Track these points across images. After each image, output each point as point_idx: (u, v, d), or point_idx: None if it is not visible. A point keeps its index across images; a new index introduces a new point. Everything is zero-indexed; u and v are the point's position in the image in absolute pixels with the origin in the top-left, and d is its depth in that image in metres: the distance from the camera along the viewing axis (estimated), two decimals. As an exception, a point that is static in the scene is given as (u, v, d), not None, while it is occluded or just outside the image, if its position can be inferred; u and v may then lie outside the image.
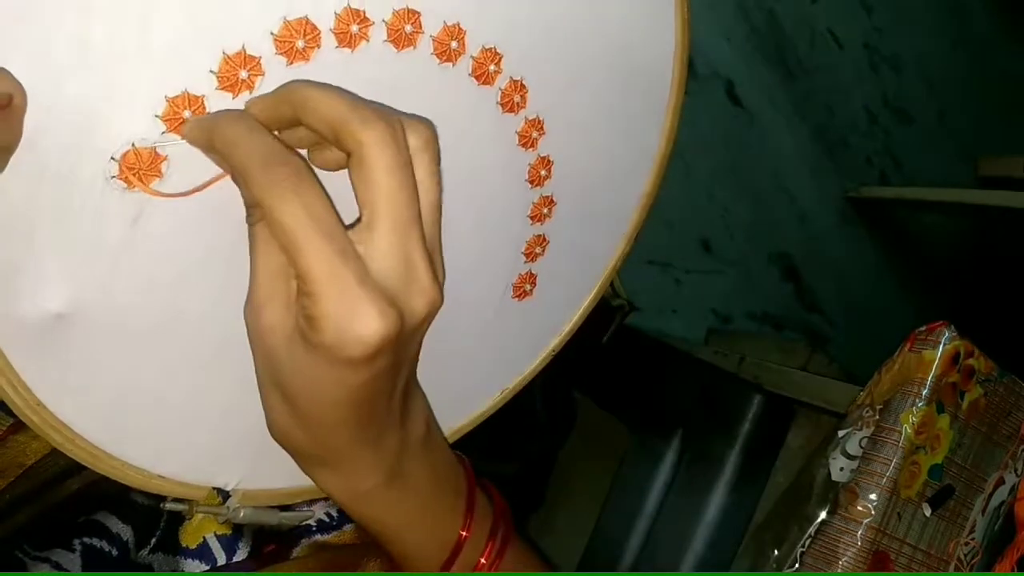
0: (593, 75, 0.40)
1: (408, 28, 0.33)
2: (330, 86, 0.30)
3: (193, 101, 0.30)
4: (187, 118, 0.30)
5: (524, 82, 0.38)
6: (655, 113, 0.44)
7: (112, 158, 0.29)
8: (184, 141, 0.30)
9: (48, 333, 0.30)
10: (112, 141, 0.29)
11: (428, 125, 0.31)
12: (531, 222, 0.42)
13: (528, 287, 0.43)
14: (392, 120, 0.29)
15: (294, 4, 0.30)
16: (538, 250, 0.43)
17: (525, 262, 0.43)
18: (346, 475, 0.35)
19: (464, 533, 0.39)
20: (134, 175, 0.29)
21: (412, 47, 0.34)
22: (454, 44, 0.35)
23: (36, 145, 0.28)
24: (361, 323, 0.28)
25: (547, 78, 0.38)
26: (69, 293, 0.30)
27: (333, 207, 0.29)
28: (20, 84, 0.26)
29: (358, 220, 0.30)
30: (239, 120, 0.29)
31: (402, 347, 0.31)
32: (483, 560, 0.39)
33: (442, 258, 0.33)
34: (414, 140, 0.31)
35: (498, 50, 0.36)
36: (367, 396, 0.31)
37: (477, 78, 0.36)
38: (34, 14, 0.26)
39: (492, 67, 0.36)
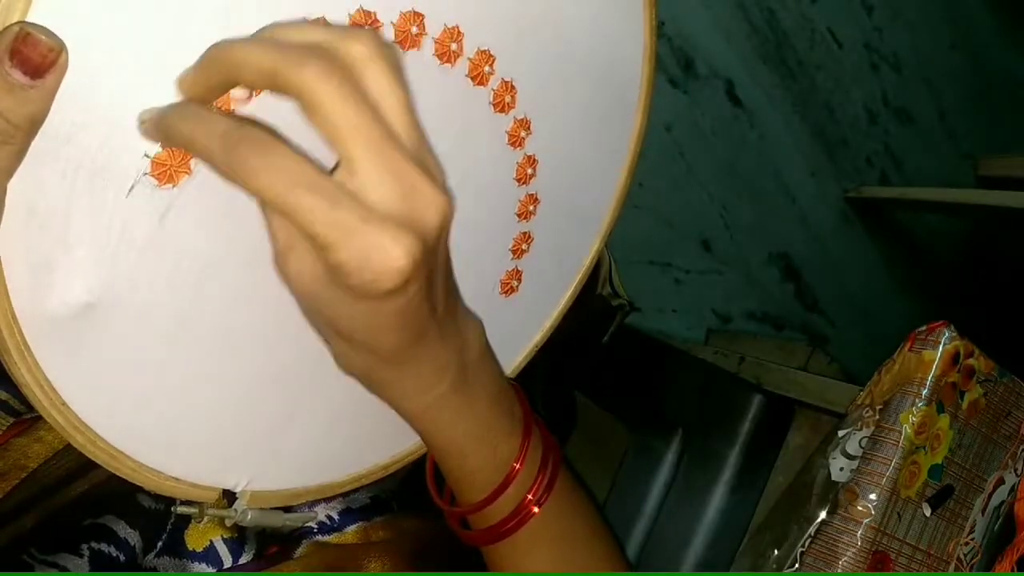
0: (573, 76, 0.41)
1: (414, 30, 0.34)
2: (252, 38, 0.30)
3: (221, 99, 0.30)
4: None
5: (514, 83, 0.38)
6: (627, 112, 0.45)
7: (146, 155, 0.29)
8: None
9: (74, 330, 0.31)
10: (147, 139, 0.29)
11: (370, 34, 0.30)
12: (518, 219, 0.42)
13: (515, 283, 0.44)
14: (323, 51, 0.28)
15: (312, 5, 0.31)
16: (524, 247, 0.44)
17: (512, 259, 0.43)
18: (412, 388, 0.36)
19: (517, 465, 0.40)
20: (166, 172, 0.30)
21: (416, 48, 0.34)
22: (453, 46, 0.35)
23: (74, 141, 0.28)
24: (381, 258, 0.28)
25: (535, 79, 0.39)
26: (97, 289, 0.30)
27: (306, 159, 0.28)
28: (65, 44, 0.26)
29: (338, 163, 0.29)
30: (182, 113, 0.29)
31: (428, 262, 0.31)
32: (530, 496, 0.40)
33: (433, 155, 0.32)
34: (359, 51, 0.29)
35: (492, 52, 0.37)
36: (411, 317, 0.32)
37: (473, 79, 0.37)
38: (75, 14, 0.27)
39: (487, 68, 0.37)
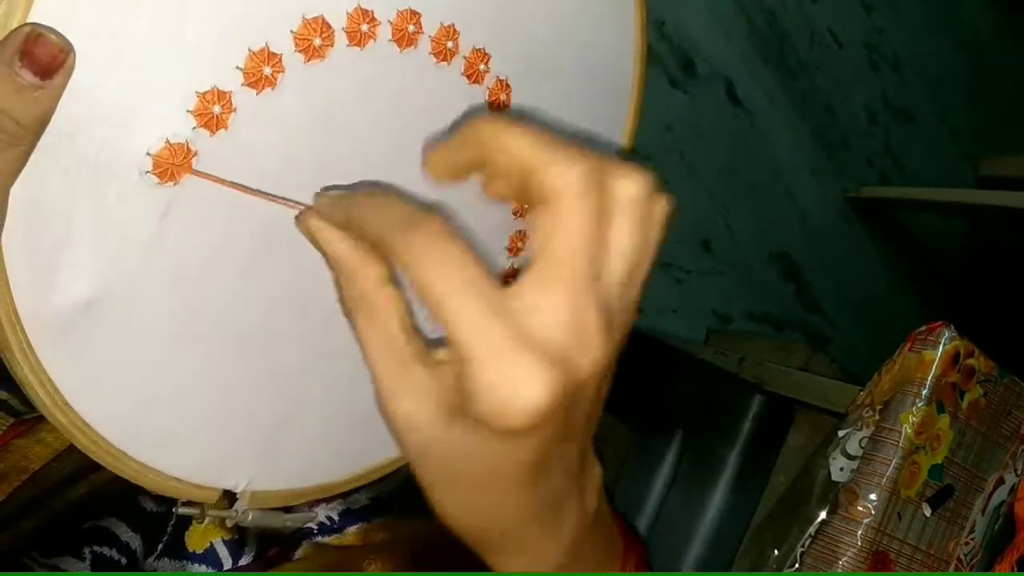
0: (567, 74, 0.41)
1: (411, 28, 0.34)
2: (521, 124, 0.28)
3: (221, 96, 0.30)
4: (216, 113, 0.30)
5: (509, 81, 0.39)
6: (620, 109, 0.46)
7: (147, 153, 0.29)
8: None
9: (76, 329, 0.31)
10: (147, 136, 0.29)
11: (644, 178, 0.27)
12: (514, 217, 0.43)
13: (511, 283, 0.44)
14: (595, 167, 0.26)
15: (311, 3, 0.31)
16: (520, 245, 0.44)
17: (509, 257, 0.44)
18: (528, 560, 0.31)
19: None
20: (167, 170, 0.30)
21: (413, 47, 0.35)
22: (450, 44, 0.36)
23: (76, 139, 0.28)
24: (520, 387, 0.25)
25: (529, 77, 0.40)
26: (99, 287, 0.30)
27: (481, 262, 0.26)
28: (73, 45, 0.26)
29: (520, 267, 0.28)
30: (372, 195, 0.28)
31: (571, 410, 0.27)
32: None
33: (626, 318, 0.29)
34: (623, 190, 0.27)
35: (487, 50, 0.37)
36: (538, 470, 0.28)
37: (468, 77, 0.37)
38: (78, 14, 0.27)
39: (482, 66, 0.37)
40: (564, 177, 0.25)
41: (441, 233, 0.26)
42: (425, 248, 0.25)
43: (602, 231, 0.26)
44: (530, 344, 0.25)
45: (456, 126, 0.36)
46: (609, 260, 0.27)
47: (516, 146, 0.26)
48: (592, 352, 0.26)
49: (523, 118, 0.28)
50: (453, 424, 0.27)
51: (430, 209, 0.27)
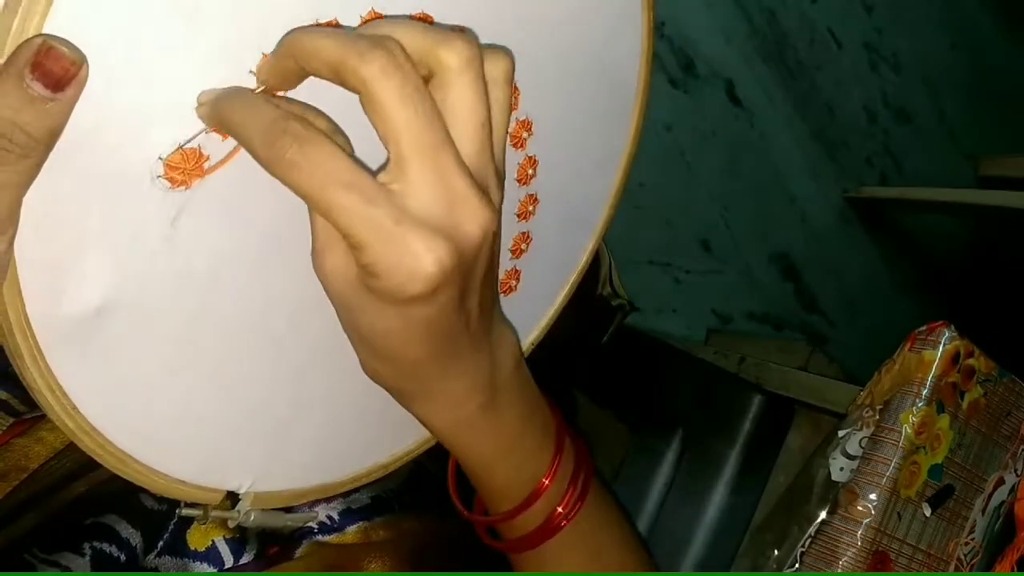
0: (573, 77, 0.41)
1: None
2: (324, 28, 0.29)
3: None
4: None
5: (518, 84, 0.38)
6: (624, 112, 0.46)
7: (159, 158, 0.29)
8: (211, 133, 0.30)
9: (85, 334, 0.30)
10: (159, 142, 0.29)
11: (468, 41, 0.29)
12: (518, 219, 0.43)
13: (514, 283, 0.44)
14: (390, 46, 0.27)
15: (325, 6, 0.31)
16: (523, 246, 0.44)
17: (512, 258, 0.44)
18: (441, 404, 0.35)
19: (546, 481, 0.40)
20: (179, 175, 0.30)
21: None
22: None
23: (89, 145, 0.28)
24: (410, 262, 0.28)
25: (536, 81, 0.39)
26: (109, 293, 0.30)
27: (348, 156, 0.28)
28: (85, 57, 0.26)
29: (388, 159, 0.29)
30: (235, 97, 0.29)
31: (464, 274, 0.30)
32: (560, 509, 0.40)
33: (500, 179, 0.32)
34: (449, 61, 0.29)
35: None
36: (439, 329, 0.31)
37: None
38: (93, 22, 0.26)
39: None
40: (362, 66, 0.27)
41: (304, 137, 0.27)
42: (291, 155, 0.27)
43: (423, 96, 0.28)
44: (414, 222, 0.28)
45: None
46: (457, 126, 0.29)
47: (319, 50, 0.28)
48: (474, 217, 0.29)
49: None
50: (361, 289, 0.30)
51: (297, 111, 0.28)
